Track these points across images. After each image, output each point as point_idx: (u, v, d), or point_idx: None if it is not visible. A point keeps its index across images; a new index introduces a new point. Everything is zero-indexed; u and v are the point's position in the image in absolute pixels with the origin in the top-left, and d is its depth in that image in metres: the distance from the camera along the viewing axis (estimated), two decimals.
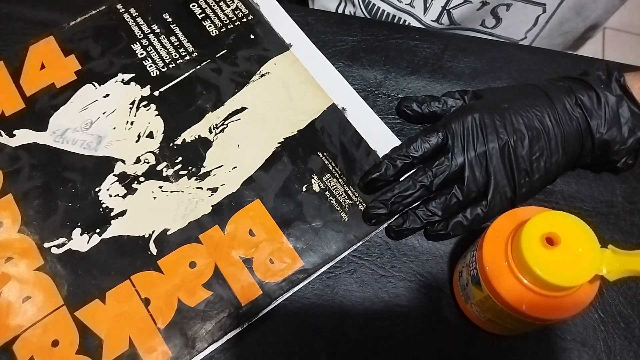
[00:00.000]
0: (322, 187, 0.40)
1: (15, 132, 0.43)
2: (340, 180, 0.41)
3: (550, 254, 0.28)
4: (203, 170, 0.41)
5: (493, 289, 0.31)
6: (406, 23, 0.54)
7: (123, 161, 0.42)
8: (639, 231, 0.40)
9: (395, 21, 0.55)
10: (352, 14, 0.57)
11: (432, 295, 0.39)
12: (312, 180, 0.41)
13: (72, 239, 0.39)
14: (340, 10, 0.59)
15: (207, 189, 0.40)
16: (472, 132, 0.37)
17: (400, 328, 0.37)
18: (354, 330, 0.37)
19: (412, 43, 0.48)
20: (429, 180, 0.37)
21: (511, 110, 0.37)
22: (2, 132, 0.43)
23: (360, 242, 0.39)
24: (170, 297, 0.37)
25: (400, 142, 0.42)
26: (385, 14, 0.54)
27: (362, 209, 0.40)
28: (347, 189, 0.40)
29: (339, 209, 0.40)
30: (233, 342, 0.37)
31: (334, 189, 0.40)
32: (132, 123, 0.43)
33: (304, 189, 0.41)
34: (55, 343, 0.36)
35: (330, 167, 0.41)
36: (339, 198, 0.40)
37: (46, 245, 0.39)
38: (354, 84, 0.46)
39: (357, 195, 0.40)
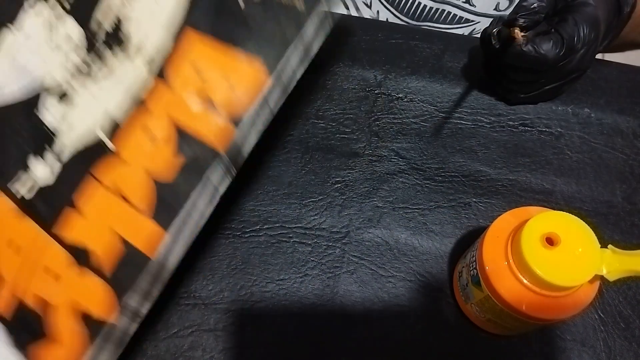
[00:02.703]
0: None
1: None
2: None
3: (550, 254, 0.28)
4: (126, 42, 0.35)
5: (493, 289, 0.31)
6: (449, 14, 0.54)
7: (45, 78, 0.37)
8: (639, 231, 0.40)
9: (432, 13, 0.55)
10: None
11: (432, 295, 0.39)
12: None
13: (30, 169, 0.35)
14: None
15: (133, 55, 0.35)
16: None
17: (400, 328, 0.37)
18: (354, 330, 0.37)
19: (412, 43, 0.48)
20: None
21: None
22: None
23: (313, 20, 0.34)
24: (144, 181, 0.33)
25: None
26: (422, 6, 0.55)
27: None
28: None
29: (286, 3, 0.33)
30: (233, 342, 0.37)
31: None
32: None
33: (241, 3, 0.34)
34: (47, 270, 0.33)
35: None
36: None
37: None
38: (354, 84, 0.46)
39: None
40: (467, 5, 0.53)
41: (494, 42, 0.39)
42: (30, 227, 0.35)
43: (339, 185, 0.42)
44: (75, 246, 0.33)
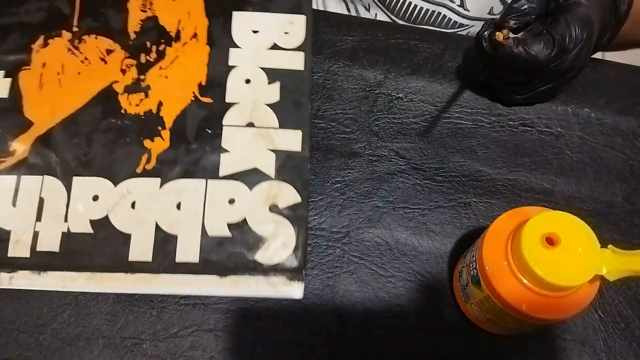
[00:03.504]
0: None
1: None
2: None
3: (550, 254, 0.28)
4: None
5: (493, 289, 0.31)
6: (443, 16, 0.54)
7: None
8: (639, 231, 0.40)
9: (428, 16, 0.55)
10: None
11: (432, 295, 0.39)
12: None
13: None
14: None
15: None
16: None
17: (400, 328, 0.37)
18: (354, 330, 0.37)
19: (412, 43, 0.48)
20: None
21: None
22: None
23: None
24: None
25: None
26: (417, 8, 0.55)
27: None
28: None
29: None
30: (233, 342, 0.37)
31: None
32: None
33: None
34: None
35: None
36: None
37: None
38: (354, 84, 0.46)
39: None
40: (461, 10, 0.53)
41: (485, 45, 0.39)
42: None
43: (339, 185, 0.42)
44: None
